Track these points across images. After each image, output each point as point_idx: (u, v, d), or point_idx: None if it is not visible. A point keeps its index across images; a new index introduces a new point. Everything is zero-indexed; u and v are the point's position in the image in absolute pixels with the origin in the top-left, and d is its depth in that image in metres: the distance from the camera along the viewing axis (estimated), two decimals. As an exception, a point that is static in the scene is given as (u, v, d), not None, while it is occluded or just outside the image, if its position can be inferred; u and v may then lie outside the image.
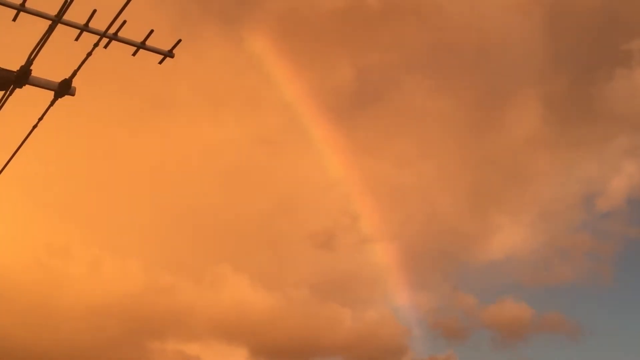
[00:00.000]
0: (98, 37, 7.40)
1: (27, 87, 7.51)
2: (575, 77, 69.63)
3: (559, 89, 69.28)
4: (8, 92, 7.49)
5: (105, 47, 7.51)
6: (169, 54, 7.78)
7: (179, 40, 7.72)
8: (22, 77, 7.40)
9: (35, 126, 7.67)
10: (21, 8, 7.10)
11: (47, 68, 7.52)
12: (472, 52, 67.39)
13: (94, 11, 7.31)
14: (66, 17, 7.18)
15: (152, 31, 7.61)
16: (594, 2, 62.04)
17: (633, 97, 61.12)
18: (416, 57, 68.78)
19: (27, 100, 7.57)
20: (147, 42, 7.75)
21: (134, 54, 7.65)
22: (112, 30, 7.40)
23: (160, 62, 7.80)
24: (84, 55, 7.41)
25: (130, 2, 7.04)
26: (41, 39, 7.23)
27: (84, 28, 7.34)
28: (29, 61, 7.36)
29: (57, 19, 7.13)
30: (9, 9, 7.13)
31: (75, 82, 7.64)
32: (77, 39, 7.38)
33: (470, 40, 65.88)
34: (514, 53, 67.23)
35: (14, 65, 7.42)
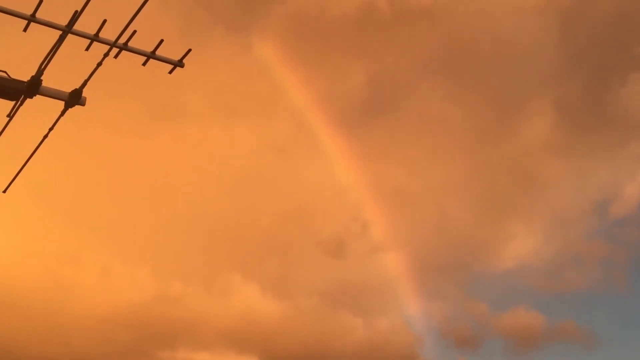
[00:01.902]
0: (108, 47, 7.46)
1: (37, 97, 7.57)
2: (589, 81, 69.30)
3: (572, 94, 68.90)
4: (19, 103, 7.55)
5: (116, 57, 7.56)
6: (179, 63, 7.82)
7: (189, 50, 7.77)
8: (32, 87, 7.46)
9: (46, 136, 7.73)
10: (32, 18, 7.16)
11: (58, 78, 7.58)
12: (484, 56, 67.19)
13: (104, 21, 7.36)
14: (76, 27, 7.24)
15: (162, 41, 7.66)
16: (608, 5, 61.77)
17: None
18: (428, 62, 68.62)
19: (38, 110, 7.63)
20: (157, 52, 7.79)
21: (144, 64, 7.70)
22: (122, 40, 7.46)
23: (170, 72, 7.85)
24: (94, 65, 7.47)
25: (140, 12, 7.10)
26: (52, 49, 7.29)
27: (94, 38, 7.40)
28: (40, 71, 7.42)
29: (67, 29, 7.19)
30: (19, 19, 7.18)
31: (85, 92, 7.70)
32: (87, 49, 7.43)
33: (483, 44, 65.70)
34: (526, 57, 67.01)
35: (25, 76, 7.49)
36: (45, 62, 7.35)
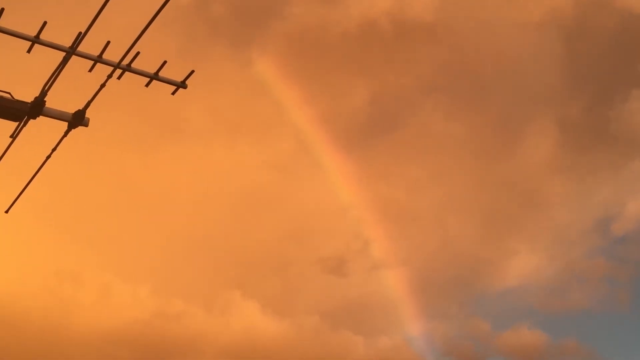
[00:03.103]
0: (112, 68, 7.51)
1: (41, 118, 7.62)
2: (592, 99, 69.46)
3: (575, 112, 69.07)
4: (22, 123, 7.60)
5: (119, 78, 7.61)
6: (182, 84, 7.87)
7: (192, 72, 7.83)
8: (36, 108, 7.51)
9: (48, 157, 7.77)
10: (36, 40, 7.22)
11: (61, 99, 7.64)
12: (487, 74, 67.36)
13: (108, 42, 7.43)
14: (80, 48, 7.30)
15: (165, 62, 7.72)
16: (612, 21, 62.04)
17: None
18: (430, 80, 68.74)
19: (41, 131, 7.68)
20: (160, 73, 7.85)
21: (147, 85, 7.75)
22: (125, 62, 7.51)
23: (173, 93, 7.90)
24: (98, 86, 7.52)
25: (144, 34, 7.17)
26: (55, 70, 7.35)
27: (98, 59, 7.46)
28: (43, 92, 7.48)
29: (71, 51, 7.25)
30: (23, 40, 7.24)
31: (88, 113, 7.75)
32: (90, 70, 7.49)
33: (485, 61, 65.86)
34: (529, 74, 67.19)
35: (29, 97, 7.54)
36: (49, 83, 7.41)
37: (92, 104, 7.68)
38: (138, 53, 7.46)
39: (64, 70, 7.32)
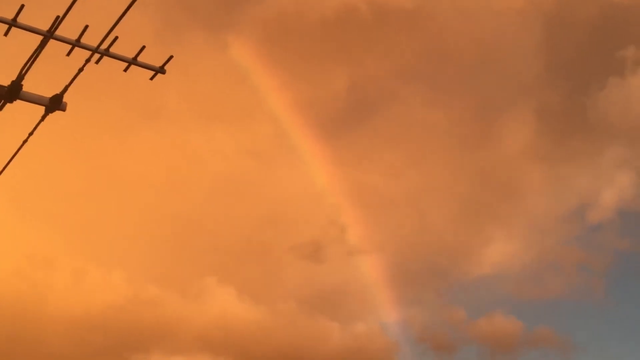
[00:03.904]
0: (90, 52, 7.51)
1: (18, 102, 7.60)
2: (570, 87, 70.02)
3: (553, 100, 69.51)
4: (-1, 107, 7.58)
5: (97, 62, 7.61)
6: (161, 70, 7.89)
7: (171, 57, 7.84)
8: (13, 92, 7.50)
9: (25, 141, 7.76)
10: (13, 23, 7.20)
11: (39, 83, 7.62)
12: (466, 62, 67.58)
13: (86, 27, 7.41)
14: (58, 32, 7.28)
15: (143, 47, 7.72)
16: (590, 10, 62.41)
17: (626, 107, 61.24)
18: (409, 67, 68.83)
19: (17, 115, 7.67)
20: (139, 58, 7.85)
21: (125, 70, 7.76)
22: (104, 46, 7.51)
23: (151, 78, 7.91)
24: (76, 71, 7.51)
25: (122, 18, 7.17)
26: (33, 54, 7.33)
27: (76, 44, 7.45)
28: (21, 76, 7.46)
29: (49, 35, 7.24)
30: (0, 23, 7.21)
31: (66, 97, 7.74)
32: (68, 55, 7.48)
33: (465, 49, 66.07)
34: (509, 63, 67.57)
35: (5, 80, 7.52)
36: (26, 67, 7.39)
37: (69, 89, 7.68)
38: (116, 38, 7.46)
39: (41, 54, 7.30)
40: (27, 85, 7.55)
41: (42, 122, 7.80)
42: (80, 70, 7.51)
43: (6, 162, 7.96)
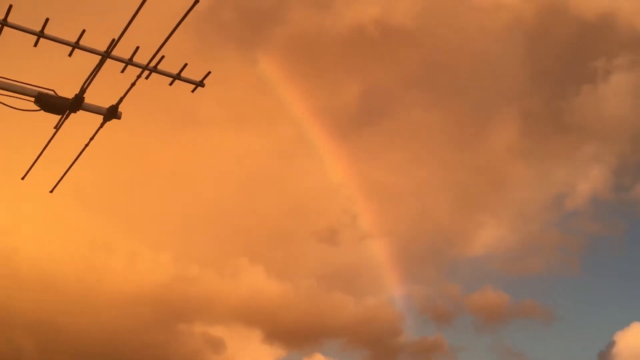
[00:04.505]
0: (140, 69, 7.50)
1: (80, 112, 7.61)
2: (549, 93, 69.56)
3: (535, 105, 69.14)
4: (64, 117, 7.59)
5: (147, 78, 7.60)
6: (200, 83, 7.85)
7: (209, 72, 7.82)
8: (76, 103, 7.50)
9: (86, 145, 7.78)
10: (76, 45, 7.21)
11: (98, 95, 7.63)
12: (460, 72, 67.24)
13: (137, 48, 7.41)
14: (114, 52, 7.28)
15: (185, 64, 7.71)
16: (566, 27, 61.97)
17: (597, 109, 60.99)
18: (411, 77, 68.65)
19: (80, 123, 7.68)
20: (181, 73, 7.83)
21: (170, 84, 7.74)
22: (152, 64, 7.50)
23: (192, 91, 7.89)
24: (129, 85, 7.51)
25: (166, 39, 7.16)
26: (93, 71, 7.34)
27: (129, 62, 7.44)
28: (82, 90, 7.47)
29: (106, 54, 7.24)
30: (65, 45, 7.22)
31: (121, 107, 7.75)
32: (122, 71, 7.47)
33: (458, 61, 65.77)
34: (496, 73, 67.17)
35: (70, 94, 7.54)
36: (87, 82, 7.40)
37: (124, 100, 7.68)
38: (163, 57, 7.45)
39: (100, 71, 7.31)
40: (88, 98, 7.57)
41: (101, 129, 7.81)
42: (133, 84, 7.51)
43: (70, 163, 7.98)
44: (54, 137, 7.75)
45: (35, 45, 7.04)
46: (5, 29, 6.85)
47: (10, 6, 6.78)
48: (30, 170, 8.00)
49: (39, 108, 7.48)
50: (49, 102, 7.47)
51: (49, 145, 7.81)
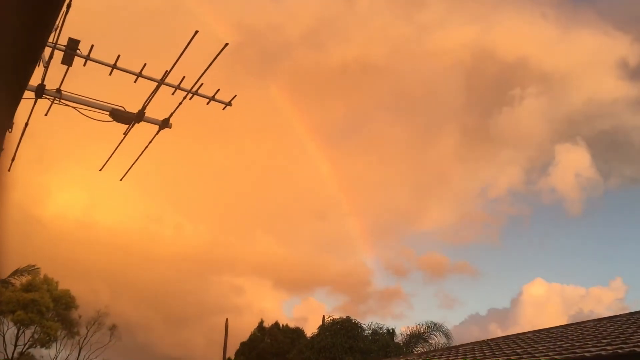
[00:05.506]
0: (185, 92, 7.72)
1: (142, 123, 7.80)
2: (480, 113, 72.06)
3: (470, 122, 71.86)
4: (130, 126, 7.78)
5: (190, 99, 7.81)
6: (229, 104, 8.09)
7: (235, 96, 8.07)
8: (139, 116, 7.69)
9: (146, 147, 7.98)
10: (139, 75, 7.43)
11: (155, 111, 7.87)
12: (417, 98, 69.42)
13: (183, 77, 7.65)
14: (167, 80, 7.50)
15: (218, 90, 7.96)
16: (493, 67, 64.61)
17: (514, 126, 64.11)
18: (382, 102, 70.99)
19: (142, 131, 7.93)
20: (215, 96, 8.05)
21: (207, 104, 7.96)
22: (194, 89, 7.72)
23: (223, 109, 8.13)
24: (177, 104, 7.73)
25: (202, 69, 7.39)
26: (151, 93, 7.54)
27: (177, 87, 7.66)
28: (144, 107, 7.66)
29: (160, 82, 7.46)
30: (132, 75, 7.44)
31: (172, 120, 7.94)
32: (173, 94, 7.69)
33: (416, 91, 68.16)
34: (442, 98, 69.39)
35: (134, 109, 7.72)
36: (147, 101, 7.60)
37: (173, 115, 7.90)
38: (202, 84, 7.68)
39: (156, 93, 7.52)
40: (148, 112, 7.77)
41: (157, 136, 8.01)
42: (180, 103, 7.74)
43: (134, 159, 8.20)
44: (123, 141, 7.98)
45: (110, 74, 7.28)
46: (89, 62, 7.13)
47: (92, 46, 7.07)
48: (106, 165, 8.24)
49: (112, 119, 7.67)
50: (119, 115, 7.68)
51: (119, 147, 8.02)
